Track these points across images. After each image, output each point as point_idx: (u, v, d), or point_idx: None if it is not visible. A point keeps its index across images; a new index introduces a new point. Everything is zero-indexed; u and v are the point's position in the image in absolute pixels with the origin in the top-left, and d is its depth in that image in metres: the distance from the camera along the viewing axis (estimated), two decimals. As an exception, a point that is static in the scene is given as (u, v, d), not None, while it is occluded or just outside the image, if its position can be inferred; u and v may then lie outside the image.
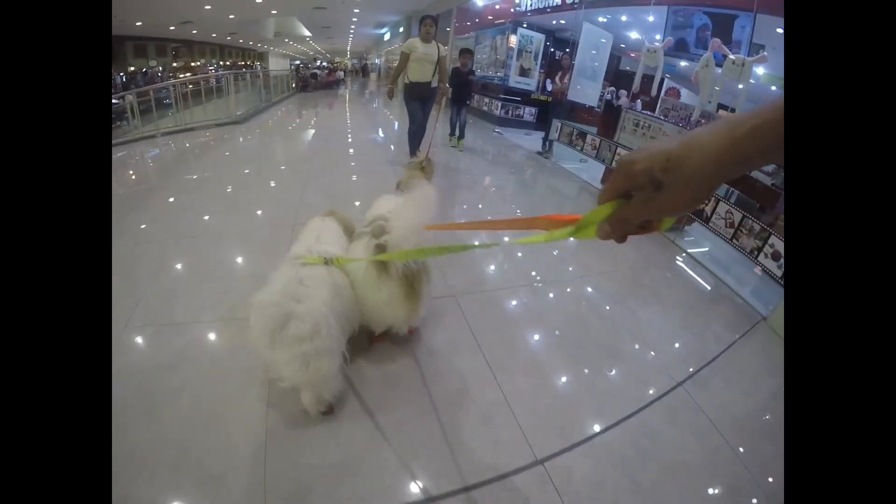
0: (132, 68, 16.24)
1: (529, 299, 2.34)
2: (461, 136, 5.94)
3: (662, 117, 4.54)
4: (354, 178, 4.51)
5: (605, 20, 6.26)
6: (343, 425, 1.54)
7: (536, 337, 2.06)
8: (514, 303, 2.29)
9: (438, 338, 1.97)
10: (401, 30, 15.26)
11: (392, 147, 6.59)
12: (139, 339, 1.95)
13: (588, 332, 2.12)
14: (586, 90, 5.89)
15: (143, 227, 3.11)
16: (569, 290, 2.45)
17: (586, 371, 1.90)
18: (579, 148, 5.06)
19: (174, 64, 18.89)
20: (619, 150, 4.44)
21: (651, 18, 6.44)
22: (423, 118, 4.79)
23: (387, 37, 20.29)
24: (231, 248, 2.76)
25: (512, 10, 8.58)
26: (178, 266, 2.57)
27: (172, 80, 11.14)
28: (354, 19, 16.31)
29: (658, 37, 5.21)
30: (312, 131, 8.09)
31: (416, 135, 4.80)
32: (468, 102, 5.91)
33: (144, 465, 1.39)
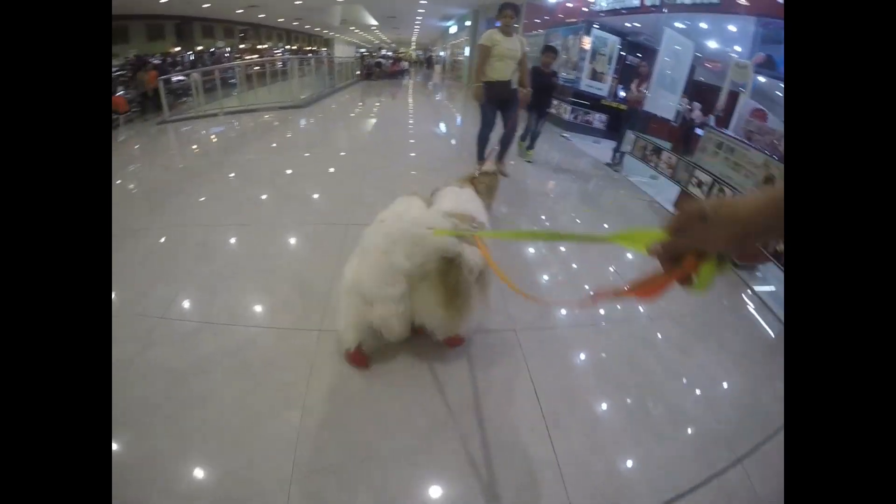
0: (200, 48, 16.82)
1: (594, 342, 2.06)
2: (531, 146, 5.23)
3: (746, 140, 4.05)
4: (414, 172, 4.33)
5: (681, 26, 5.75)
6: (378, 470, 1.35)
7: (598, 390, 1.77)
8: (577, 345, 2.01)
9: (493, 375, 1.74)
10: (467, 23, 14.99)
11: (453, 141, 6.42)
12: (173, 334, 1.86)
13: (651, 386, 1.81)
14: (663, 101, 5.42)
15: (201, 199, 3.15)
16: (635, 334, 2.14)
17: (645, 436, 1.61)
18: (653, 164, 4.65)
19: (241, 46, 19.47)
20: (696, 171, 4.01)
21: (733, 28, 5.87)
22: (506, 122, 4.15)
23: (452, 30, 20.06)
24: (280, 245, 2.66)
25: (584, 8, 8.14)
26: (224, 256, 2.49)
27: (237, 62, 11.59)
28: (421, 10, 16.17)
29: (738, 48, 4.70)
30: (374, 120, 8.02)
31: (486, 138, 4.19)
32: (548, 109, 5.17)
33: (161, 474, 1.30)
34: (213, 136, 6.38)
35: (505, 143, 4.26)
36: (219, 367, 1.68)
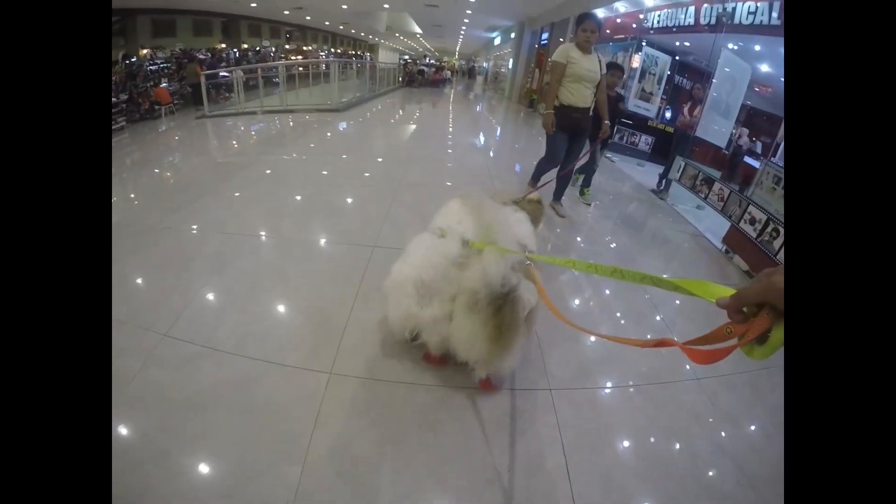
0: (245, 45, 17.24)
1: (639, 409, 1.79)
2: (588, 183, 4.37)
3: None
4: (449, 184, 4.18)
5: (734, 47, 5.39)
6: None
7: (638, 474, 1.51)
8: (618, 413, 1.75)
9: (522, 446, 1.51)
10: (512, 35, 14.83)
11: (491, 153, 6.25)
12: (175, 356, 1.72)
13: (695, 472, 1.54)
14: (717, 128, 5.07)
15: (227, 201, 2.99)
16: (681, 399, 1.87)
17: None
18: (703, 195, 4.32)
19: (287, 46, 19.89)
20: (750, 207, 3.66)
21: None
22: (569, 156, 3.51)
23: (497, 41, 19.97)
24: (300, 263, 2.49)
25: (634, 24, 7.81)
26: (240, 270, 2.35)
27: (279, 62, 11.78)
28: (466, 20, 16.14)
29: None
30: (412, 129, 7.93)
31: (546, 172, 3.61)
32: (610, 139, 4.30)
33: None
34: (251, 133, 6.42)
35: (565, 179, 3.75)
36: (218, 403, 1.53)
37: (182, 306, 2.01)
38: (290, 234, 2.81)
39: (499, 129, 9.07)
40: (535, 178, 3.62)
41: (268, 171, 4.14)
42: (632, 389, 1.88)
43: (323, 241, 2.74)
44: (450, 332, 1.48)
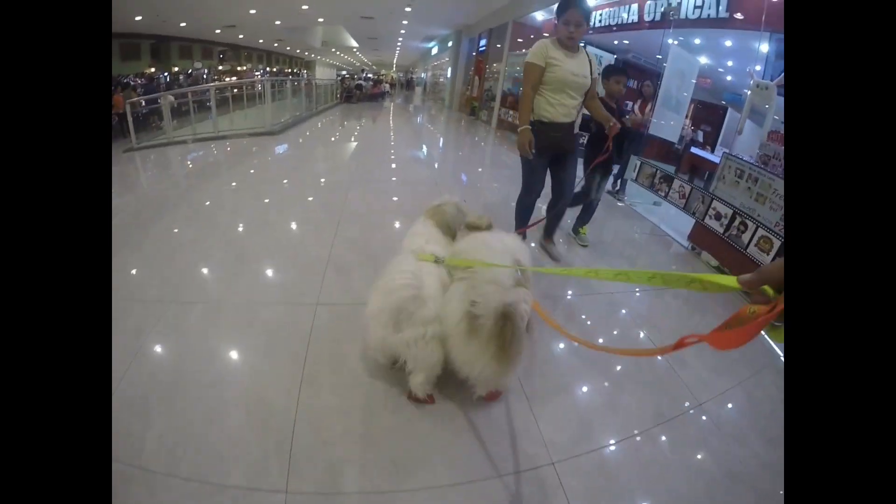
0: (176, 69, 16.20)
1: (651, 458, 1.54)
2: (584, 220, 3.42)
3: (762, 165, 3.62)
4: (395, 198, 3.79)
5: (674, 42, 5.45)
6: None
7: None
8: (634, 469, 1.49)
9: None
10: (449, 44, 14.76)
11: (436, 165, 6.01)
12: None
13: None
14: (667, 124, 5.05)
15: (148, 255, 2.49)
16: (690, 434, 1.65)
17: None
18: (663, 194, 4.23)
19: (220, 67, 18.91)
20: (714, 203, 3.58)
21: (728, 43, 5.56)
22: (560, 187, 2.75)
23: (434, 51, 19.92)
24: (230, 339, 2.01)
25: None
26: (158, 358, 1.89)
27: (211, 84, 11.03)
28: (402, 31, 15.95)
29: (757, 67, 4.39)
30: (353, 147, 7.54)
31: (531, 207, 2.84)
32: (618, 162, 3.49)
33: None
34: (177, 168, 5.81)
35: (557, 215, 2.94)
36: None
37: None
38: (218, 295, 2.33)
39: (441, 139, 8.86)
40: (520, 219, 2.87)
41: (192, 211, 3.62)
42: (639, 438, 1.63)
43: (257, 303, 2.26)
44: (451, 355, 1.45)
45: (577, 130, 2.65)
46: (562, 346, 2.11)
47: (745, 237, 3.22)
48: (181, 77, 15.96)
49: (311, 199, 4.03)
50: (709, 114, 7.85)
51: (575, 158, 2.72)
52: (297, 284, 2.42)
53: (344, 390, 1.68)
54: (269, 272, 2.59)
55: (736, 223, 3.36)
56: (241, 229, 3.22)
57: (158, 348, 1.91)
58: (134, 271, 2.53)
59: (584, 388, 1.86)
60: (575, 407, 1.76)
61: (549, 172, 2.74)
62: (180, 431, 1.50)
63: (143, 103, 9.37)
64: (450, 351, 1.46)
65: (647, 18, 5.57)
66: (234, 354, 1.89)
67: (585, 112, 2.73)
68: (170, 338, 1.98)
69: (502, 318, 1.29)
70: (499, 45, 10.71)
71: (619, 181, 5.02)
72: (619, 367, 1.99)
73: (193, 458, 1.41)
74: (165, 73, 15.41)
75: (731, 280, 0.60)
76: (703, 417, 1.76)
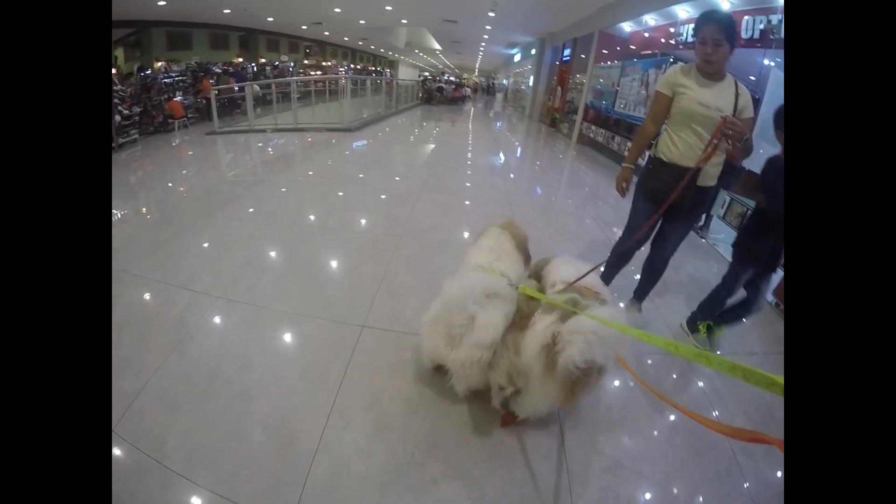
0: (263, 60, 17.15)
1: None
2: (727, 319, 2.32)
3: None
4: (464, 222, 3.68)
5: (771, 64, 4.81)
6: None
7: None
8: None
9: None
10: (532, 52, 14.45)
11: (511, 175, 5.82)
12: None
13: None
14: (763, 155, 4.49)
15: (203, 245, 2.56)
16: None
17: None
18: (753, 236, 3.75)
19: (305, 61, 19.79)
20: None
21: None
22: (659, 243, 2.23)
23: (517, 58, 19.64)
24: (267, 350, 1.96)
25: (662, 39, 7.29)
26: (197, 352, 1.90)
27: (292, 78, 11.65)
28: (485, 36, 15.84)
29: None
30: (428, 149, 7.52)
31: (628, 254, 2.37)
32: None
33: None
34: (253, 153, 6.09)
35: (654, 275, 2.42)
36: None
37: (134, 393, 1.61)
38: (263, 300, 2.29)
39: (519, 149, 8.64)
40: (609, 264, 2.42)
41: (255, 208, 3.68)
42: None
43: (302, 314, 2.20)
44: (526, 382, 1.43)
45: (714, 183, 2.03)
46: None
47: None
48: (268, 69, 16.87)
49: (374, 208, 3.92)
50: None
51: (691, 217, 2.14)
52: (347, 301, 2.32)
53: (373, 431, 1.56)
54: (320, 282, 2.53)
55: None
56: (297, 232, 3.22)
57: (196, 345, 1.91)
58: (187, 259, 2.61)
59: (629, 467, 1.61)
60: (623, 489, 1.52)
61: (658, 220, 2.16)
62: (202, 436, 1.49)
63: (236, 89, 9.98)
64: (526, 378, 1.44)
65: (744, 35, 4.97)
66: (267, 367, 1.83)
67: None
68: (210, 336, 1.99)
69: (584, 373, 1.25)
70: (583, 56, 10.28)
71: (705, 216, 4.55)
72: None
73: (210, 466, 1.39)
74: (252, 64, 16.32)
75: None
76: None
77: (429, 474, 1.43)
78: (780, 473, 1.63)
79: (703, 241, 4.41)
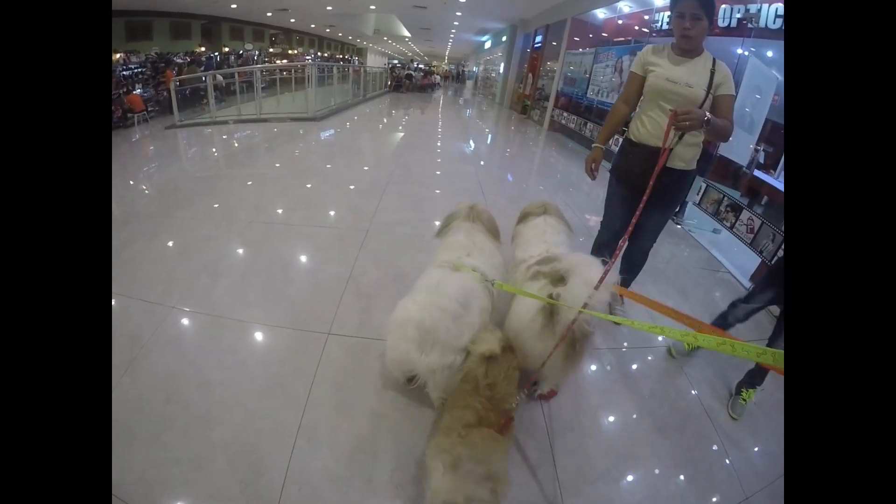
0: (226, 49, 16.40)
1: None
2: (754, 380, 1.87)
3: None
4: (434, 215, 3.49)
5: (746, 53, 4.82)
6: None
7: None
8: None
9: None
10: (504, 39, 14.28)
11: (482, 163, 5.71)
12: None
13: None
14: (737, 144, 4.50)
15: (169, 244, 2.32)
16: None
17: None
18: (728, 224, 3.75)
19: (271, 49, 19.06)
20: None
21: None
22: (636, 230, 1.65)
23: (487, 45, 19.43)
24: (225, 365, 1.78)
25: (636, 27, 7.26)
26: (153, 366, 1.70)
27: (255, 66, 11.14)
28: (456, 23, 15.57)
29: None
30: (397, 138, 7.32)
31: (608, 246, 2.16)
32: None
33: None
34: (209, 150, 5.75)
35: (632, 269, 2.30)
36: None
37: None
38: (221, 308, 2.08)
39: (490, 136, 8.56)
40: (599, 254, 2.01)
41: (215, 205, 3.42)
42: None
43: (262, 322, 2.01)
44: (524, 349, 1.43)
45: (691, 167, 1.92)
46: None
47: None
48: (231, 58, 16.15)
49: (341, 201, 3.71)
50: (774, 133, 7.13)
51: (665, 202, 1.97)
52: (311, 305, 2.15)
53: (345, 453, 1.42)
54: (282, 285, 2.34)
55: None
56: (258, 230, 2.99)
57: (150, 364, 1.72)
58: (143, 265, 2.37)
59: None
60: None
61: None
62: (161, 469, 1.32)
63: (204, 79, 9.37)
64: (522, 346, 1.44)
65: (720, 24, 4.94)
66: (227, 386, 1.65)
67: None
68: (165, 352, 1.78)
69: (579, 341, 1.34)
70: (555, 43, 10.19)
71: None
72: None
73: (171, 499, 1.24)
74: (216, 53, 15.56)
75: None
76: None
77: (408, 496, 1.30)
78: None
79: (679, 227, 4.40)
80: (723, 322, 2.01)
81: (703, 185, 4.13)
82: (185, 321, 1.99)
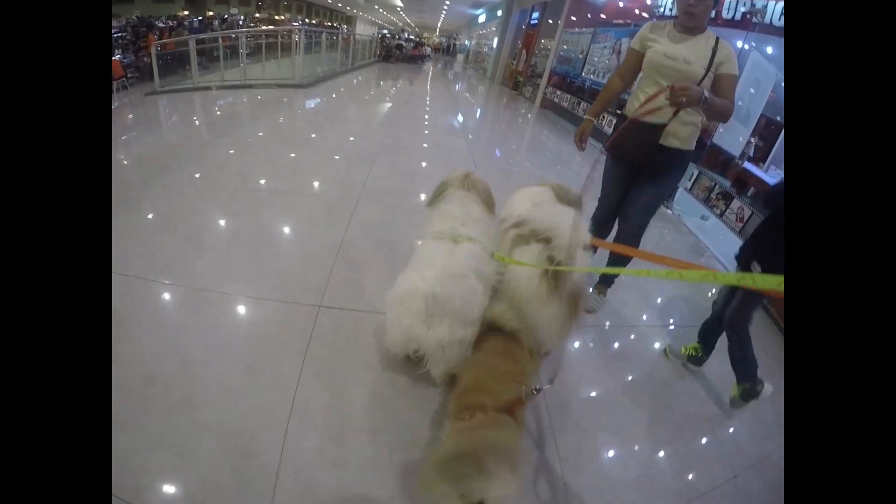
0: (210, 13, 15.67)
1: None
2: (754, 391, 1.71)
3: None
4: (424, 185, 3.41)
5: (746, 47, 4.76)
6: None
7: None
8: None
9: None
10: (499, 13, 13.91)
11: (470, 136, 5.67)
12: None
13: None
14: (731, 135, 4.49)
15: (149, 216, 2.20)
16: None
17: None
18: (718, 211, 3.77)
19: (257, 15, 18.29)
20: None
21: None
22: (627, 208, 2.04)
23: (482, 19, 18.94)
24: (208, 342, 1.70)
25: (637, 10, 7.12)
26: (135, 345, 1.61)
27: (237, 31, 10.60)
28: (450, -6, 15.14)
29: None
30: (385, 108, 7.16)
31: (603, 223, 2.21)
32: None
33: None
34: (191, 117, 5.50)
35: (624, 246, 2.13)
36: None
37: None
38: (204, 281, 1.98)
39: (479, 110, 8.46)
40: (596, 230, 2.18)
41: (197, 174, 3.25)
42: None
43: (249, 295, 1.93)
44: (529, 316, 1.36)
45: (687, 147, 1.87)
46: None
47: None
48: (215, 22, 15.41)
49: (328, 170, 3.62)
50: (767, 128, 7.16)
51: (658, 180, 1.95)
52: (300, 277, 2.08)
53: (341, 434, 1.38)
54: (270, 256, 2.25)
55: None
56: (243, 200, 2.87)
57: (131, 344, 1.62)
58: (123, 238, 2.25)
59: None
60: None
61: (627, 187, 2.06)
62: (146, 456, 1.25)
63: (191, 44, 8.89)
64: (527, 313, 1.37)
65: (724, 16, 4.84)
66: (212, 365, 1.57)
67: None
68: (146, 331, 1.69)
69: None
70: (551, 21, 9.97)
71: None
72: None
73: (159, 492, 1.18)
74: (199, 17, 14.85)
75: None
76: None
77: (411, 477, 1.27)
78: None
79: (669, 211, 4.42)
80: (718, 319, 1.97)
81: (696, 172, 4.13)
82: (167, 295, 1.89)
